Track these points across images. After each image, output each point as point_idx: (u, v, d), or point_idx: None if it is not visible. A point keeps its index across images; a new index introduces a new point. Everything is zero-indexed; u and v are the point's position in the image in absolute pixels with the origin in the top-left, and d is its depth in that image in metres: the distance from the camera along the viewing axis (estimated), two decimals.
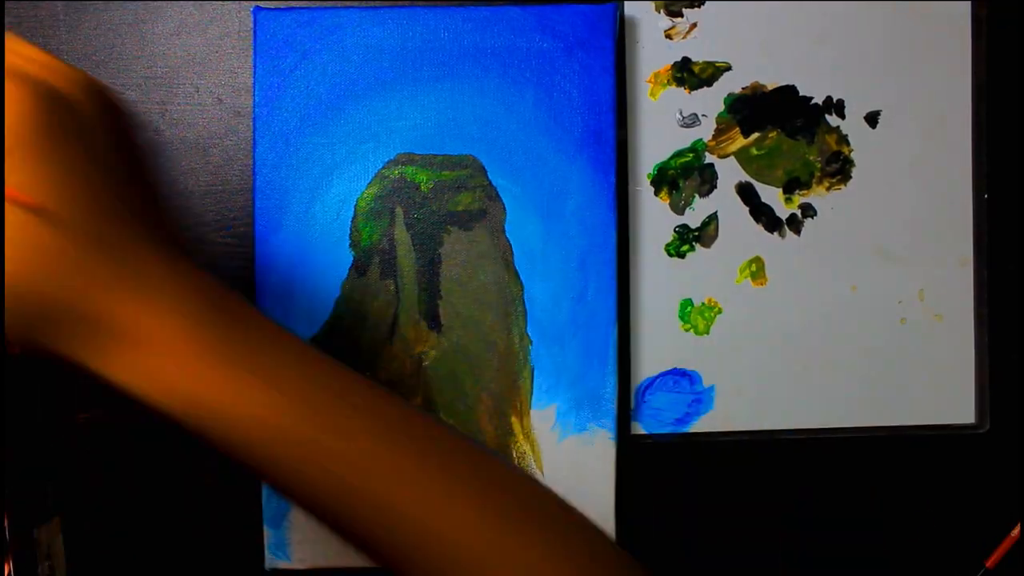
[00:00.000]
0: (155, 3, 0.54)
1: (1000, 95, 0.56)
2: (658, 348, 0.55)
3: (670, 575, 0.57)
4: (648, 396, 0.55)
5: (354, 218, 0.51)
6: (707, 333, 0.55)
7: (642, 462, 0.56)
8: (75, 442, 0.54)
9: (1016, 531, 0.57)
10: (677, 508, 0.57)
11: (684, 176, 0.55)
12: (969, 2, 0.55)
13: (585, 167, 0.51)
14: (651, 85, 0.54)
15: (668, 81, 0.54)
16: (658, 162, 0.54)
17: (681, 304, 0.55)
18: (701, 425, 0.56)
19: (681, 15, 0.54)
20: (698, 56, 0.54)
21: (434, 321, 0.51)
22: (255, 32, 0.50)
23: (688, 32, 0.54)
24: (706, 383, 0.55)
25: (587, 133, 0.51)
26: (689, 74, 0.54)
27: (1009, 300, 0.57)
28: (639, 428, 0.55)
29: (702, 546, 0.57)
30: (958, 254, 0.56)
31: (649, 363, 0.55)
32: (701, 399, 0.55)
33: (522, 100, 0.51)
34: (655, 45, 0.54)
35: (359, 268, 0.51)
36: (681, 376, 0.55)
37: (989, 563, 0.57)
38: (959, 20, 0.55)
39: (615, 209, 0.51)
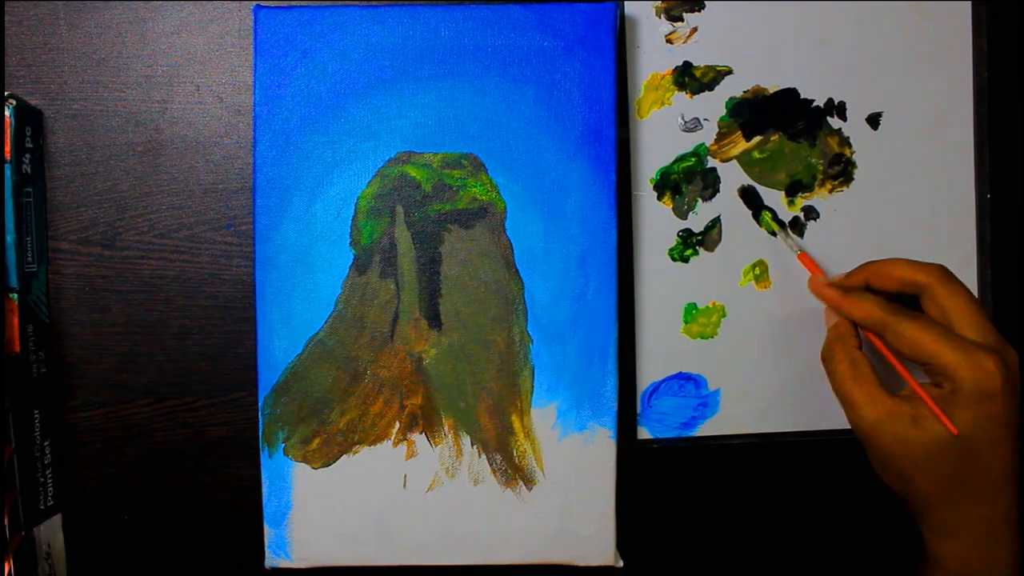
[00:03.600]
0: (155, 2, 0.54)
1: (1002, 94, 0.56)
2: (663, 353, 0.55)
3: None
4: (654, 401, 0.55)
5: (355, 216, 0.51)
6: (713, 337, 0.55)
7: (649, 467, 0.56)
8: (75, 442, 0.54)
9: None
10: (685, 512, 0.57)
11: (687, 180, 0.54)
12: (969, 2, 0.55)
13: (586, 165, 0.51)
14: (652, 94, 0.54)
15: (664, 101, 0.54)
16: (660, 167, 0.54)
17: (685, 308, 0.55)
18: (707, 429, 0.55)
19: (682, 19, 0.54)
20: (699, 60, 0.54)
21: (434, 320, 0.51)
22: (255, 31, 0.50)
23: (689, 36, 0.54)
24: (712, 387, 0.55)
25: (587, 131, 0.51)
26: (690, 78, 0.54)
27: (1012, 299, 0.57)
28: (645, 433, 0.55)
29: (711, 550, 0.57)
30: (961, 254, 0.56)
31: (654, 368, 0.55)
32: (707, 403, 0.55)
33: (522, 98, 0.51)
34: (656, 50, 0.54)
35: (359, 267, 0.51)
36: (687, 380, 0.55)
37: None
38: (960, 20, 0.55)
39: (615, 207, 0.51)
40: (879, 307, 0.47)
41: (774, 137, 0.55)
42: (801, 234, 0.55)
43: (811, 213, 0.55)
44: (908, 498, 0.48)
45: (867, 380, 0.46)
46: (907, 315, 0.46)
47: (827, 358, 0.49)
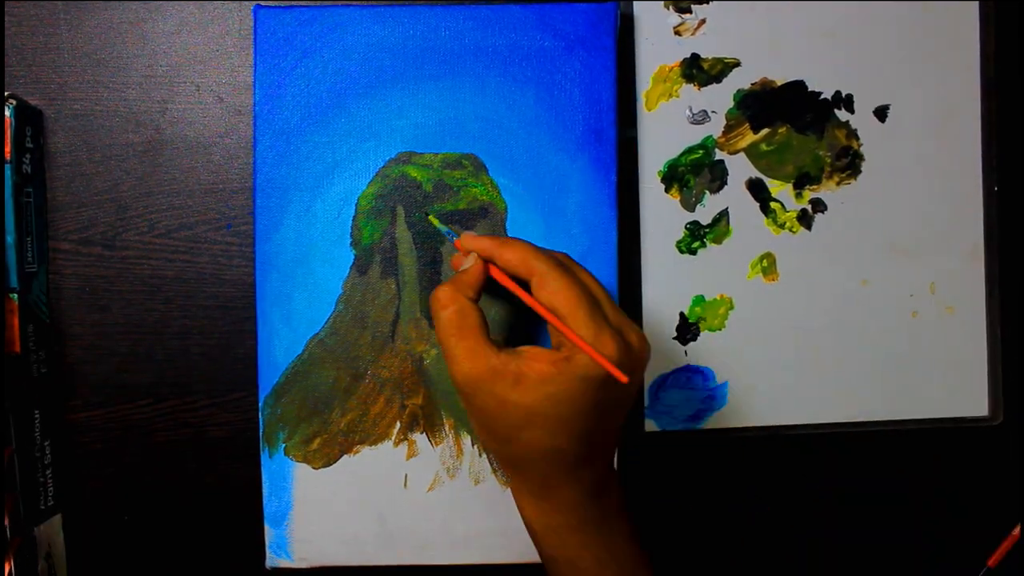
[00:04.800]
0: (156, 2, 0.54)
1: (1009, 87, 0.56)
2: (671, 345, 0.55)
3: (685, 571, 0.57)
4: (661, 393, 0.55)
5: (355, 216, 0.51)
6: (721, 329, 0.55)
7: (657, 459, 0.56)
8: (75, 442, 0.54)
9: (1016, 531, 0.57)
10: (692, 504, 0.57)
11: (694, 173, 0.54)
12: (977, 1, 0.55)
13: (586, 165, 0.51)
14: (660, 86, 0.54)
15: (672, 93, 0.54)
16: (668, 159, 0.54)
17: (693, 301, 0.54)
18: (715, 421, 0.55)
19: (690, 11, 0.54)
20: (707, 52, 0.54)
21: None
22: (256, 31, 0.50)
23: (697, 28, 0.54)
24: (719, 379, 0.55)
25: (588, 132, 0.51)
26: (698, 71, 0.54)
27: (1020, 291, 0.56)
28: (653, 426, 0.55)
29: (717, 541, 0.57)
30: (968, 246, 0.56)
31: (661, 360, 0.55)
32: (715, 395, 0.55)
33: (523, 98, 0.51)
34: (664, 42, 0.54)
35: (360, 267, 0.51)
36: (694, 373, 0.55)
37: (991, 562, 0.57)
38: (967, 15, 0.55)
39: (616, 207, 0.51)
40: (532, 254, 0.43)
41: (782, 129, 0.55)
42: (809, 227, 0.55)
43: (819, 206, 0.55)
44: (500, 460, 0.45)
45: (472, 333, 0.42)
46: (560, 271, 0.42)
47: (435, 301, 0.44)
